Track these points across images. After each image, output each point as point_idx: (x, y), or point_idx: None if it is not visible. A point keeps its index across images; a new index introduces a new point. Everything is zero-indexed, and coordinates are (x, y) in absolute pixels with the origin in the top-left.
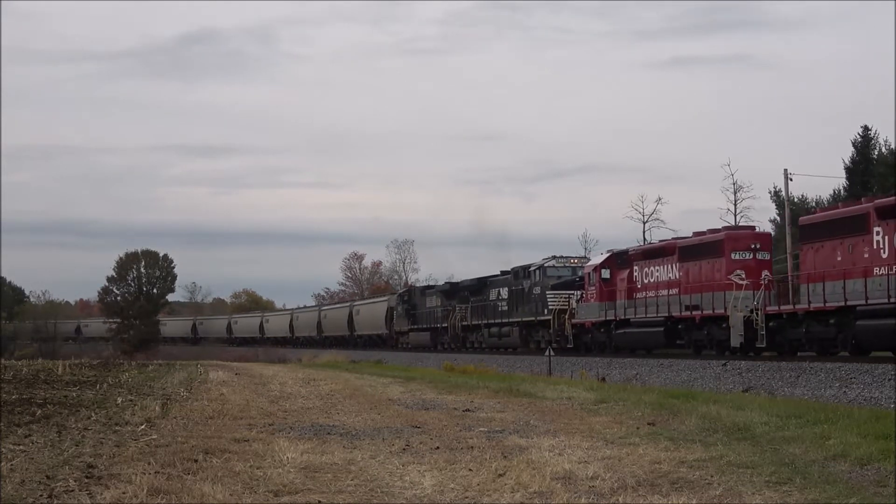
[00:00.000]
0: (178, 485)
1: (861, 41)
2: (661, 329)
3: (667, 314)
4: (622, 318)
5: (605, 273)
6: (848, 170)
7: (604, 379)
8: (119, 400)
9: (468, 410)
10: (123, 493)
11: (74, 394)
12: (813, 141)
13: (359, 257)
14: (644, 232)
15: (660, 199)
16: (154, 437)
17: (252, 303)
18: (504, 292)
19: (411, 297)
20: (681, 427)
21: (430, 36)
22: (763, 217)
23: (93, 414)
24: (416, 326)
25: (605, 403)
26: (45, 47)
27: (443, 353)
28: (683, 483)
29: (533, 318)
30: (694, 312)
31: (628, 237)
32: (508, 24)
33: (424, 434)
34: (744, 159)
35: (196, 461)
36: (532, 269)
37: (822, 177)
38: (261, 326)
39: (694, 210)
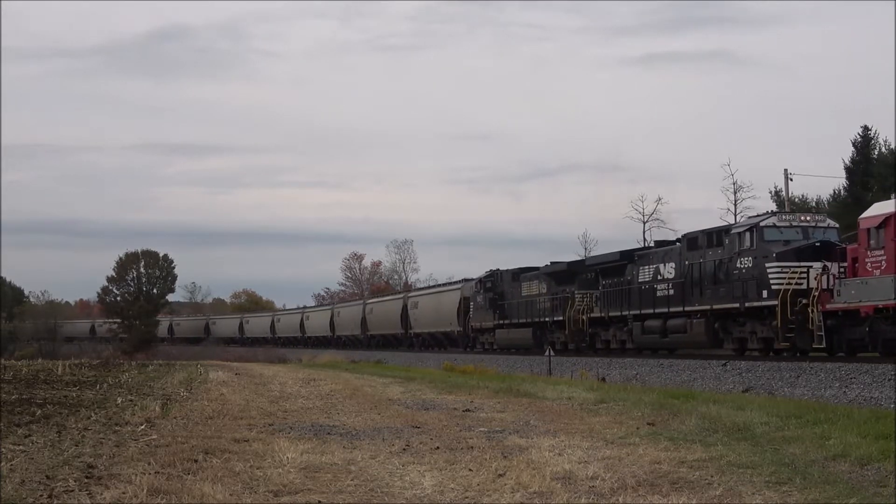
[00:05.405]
0: (178, 485)
1: (842, 39)
2: None
3: None
4: None
5: None
6: (848, 169)
7: (604, 379)
8: (119, 400)
9: (468, 410)
10: (123, 493)
11: (74, 394)
12: (813, 140)
13: (358, 257)
14: (644, 232)
15: (660, 198)
16: (154, 437)
17: (252, 303)
18: (668, 269)
19: (497, 284)
20: (681, 427)
21: (401, 33)
22: None
23: (93, 414)
24: (506, 321)
25: (605, 403)
26: (15, 44)
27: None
28: (683, 483)
29: (736, 305)
30: None
31: (625, 237)
32: (480, 21)
33: (424, 434)
34: (743, 159)
35: (196, 461)
36: (735, 231)
37: (823, 177)
38: (301, 325)
39: (688, 210)
